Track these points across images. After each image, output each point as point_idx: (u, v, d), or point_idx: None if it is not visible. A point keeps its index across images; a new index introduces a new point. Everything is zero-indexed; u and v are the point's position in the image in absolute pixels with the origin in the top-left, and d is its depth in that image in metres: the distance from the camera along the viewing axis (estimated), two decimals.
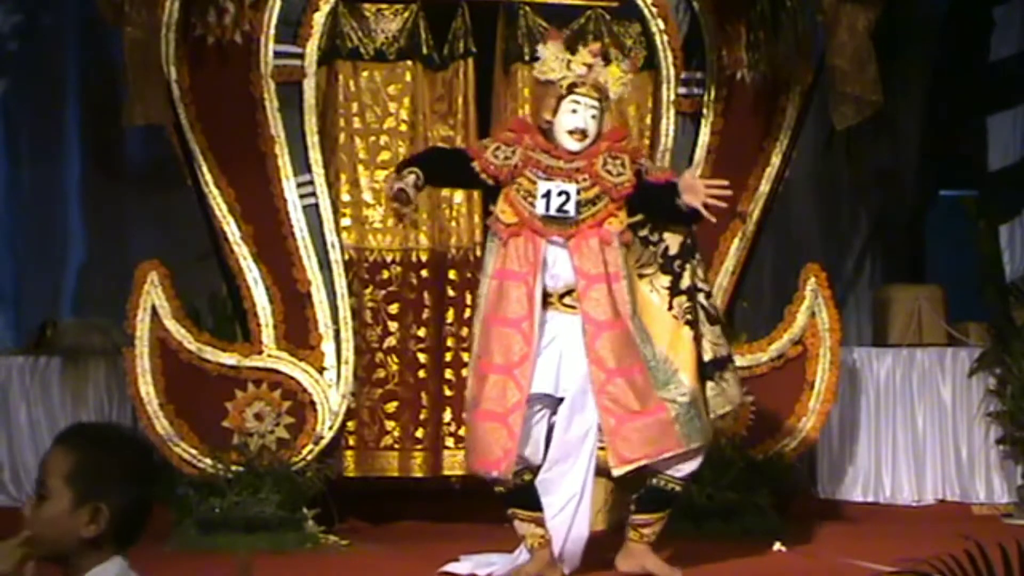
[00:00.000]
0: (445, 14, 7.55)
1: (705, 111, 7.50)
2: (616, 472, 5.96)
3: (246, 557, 6.07)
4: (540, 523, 6.03)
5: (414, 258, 7.55)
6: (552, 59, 6.14)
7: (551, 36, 6.36)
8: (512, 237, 6.00)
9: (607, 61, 6.22)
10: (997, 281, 8.37)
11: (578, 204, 5.98)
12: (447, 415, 7.54)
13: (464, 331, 7.53)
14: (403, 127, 7.56)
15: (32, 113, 8.85)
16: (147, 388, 7.02)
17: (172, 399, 7.03)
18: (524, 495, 6.03)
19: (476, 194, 7.54)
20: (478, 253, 7.55)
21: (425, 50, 7.54)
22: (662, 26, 7.50)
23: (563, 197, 5.98)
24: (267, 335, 7.14)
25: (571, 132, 6.05)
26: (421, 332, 7.53)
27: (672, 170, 6.56)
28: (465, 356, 7.53)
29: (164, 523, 6.98)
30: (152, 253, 7.27)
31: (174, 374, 7.05)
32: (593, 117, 6.06)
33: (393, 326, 7.52)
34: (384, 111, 7.56)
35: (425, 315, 7.54)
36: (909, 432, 8.38)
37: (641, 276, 6.11)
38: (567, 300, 6.00)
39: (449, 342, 7.55)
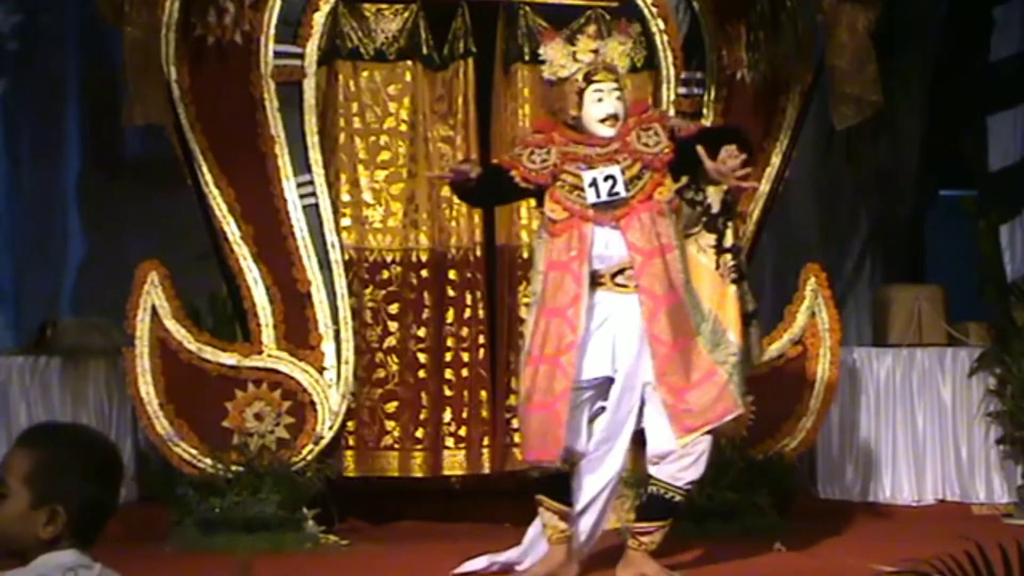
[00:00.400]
0: (445, 14, 7.55)
1: (705, 111, 7.50)
2: (680, 442, 5.92)
3: (246, 557, 6.07)
4: (564, 516, 6.02)
5: (414, 258, 7.55)
6: (558, 57, 6.15)
7: (546, 36, 6.35)
8: (561, 232, 6.01)
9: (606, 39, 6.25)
10: (997, 281, 8.37)
11: (626, 183, 5.99)
12: (447, 415, 7.53)
13: (464, 331, 7.53)
14: (403, 127, 7.56)
15: (32, 113, 8.85)
16: (147, 388, 7.02)
17: (172, 399, 7.03)
18: (556, 484, 6.02)
19: None
20: (478, 253, 7.55)
21: (425, 50, 7.54)
22: (662, 26, 7.50)
23: (610, 181, 5.99)
24: (267, 335, 7.14)
25: (603, 120, 6.07)
26: (421, 332, 7.53)
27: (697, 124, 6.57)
28: (465, 356, 7.54)
29: (164, 523, 6.99)
30: (152, 253, 7.27)
31: (174, 374, 7.05)
32: (618, 99, 6.09)
33: (393, 326, 7.52)
34: (384, 111, 7.56)
35: (425, 315, 7.54)
36: (909, 432, 8.38)
37: (687, 236, 6.14)
38: (619, 279, 5.99)
39: (449, 342, 7.55)
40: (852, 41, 7.24)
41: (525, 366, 6.04)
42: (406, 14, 7.53)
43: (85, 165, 8.88)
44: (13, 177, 8.83)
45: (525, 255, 7.56)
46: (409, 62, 7.54)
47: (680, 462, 5.98)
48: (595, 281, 5.97)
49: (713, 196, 6.18)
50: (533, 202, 7.53)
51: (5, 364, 7.90)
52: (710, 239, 6.16)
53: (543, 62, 7.55)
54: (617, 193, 5.98)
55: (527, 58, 7.58)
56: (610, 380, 6.00)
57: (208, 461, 6.98)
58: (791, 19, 7.40)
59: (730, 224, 6.20)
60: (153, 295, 7.04)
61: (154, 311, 7.04)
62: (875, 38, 7.30)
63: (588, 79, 6.09)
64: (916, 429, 8.38)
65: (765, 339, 7.46)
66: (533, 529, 6.19)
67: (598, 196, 5.98)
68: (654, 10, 7.53)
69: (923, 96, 9.11)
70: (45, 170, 8.84)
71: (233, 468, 6.95)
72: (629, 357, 5.96)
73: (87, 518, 2.72)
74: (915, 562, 3.36)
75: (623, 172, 6.00)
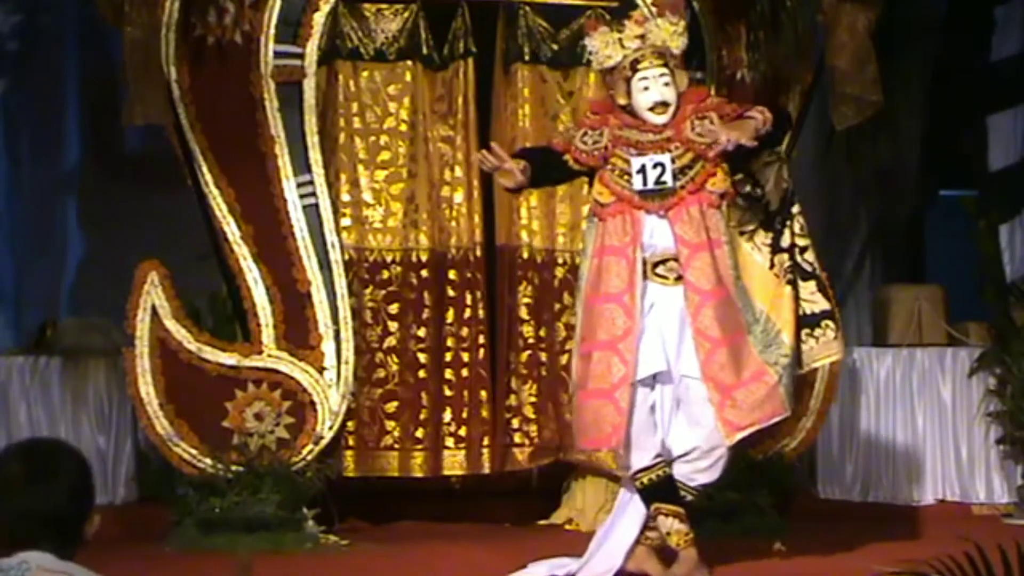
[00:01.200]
0: (445, 14, 7.55)
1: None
2: (728, 441, 5.86)
3: (246, 557, 6.07)
4: (683, 519, 5.94)
5: (414, 258, 7.55)
6: (603, 47, 6.06)
7: (590, 26, 6.26)
8: (611, 216, 5.93)
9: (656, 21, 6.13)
10: (997, 281, 8.37)
11: (674, 173, 5.91)
12: (447, 415, 7.53)
13: (464, 331, 7.52)
14: (403, 127, 7.56)
15: (32, 113, 8.85)
16: (147, 388, 7.02)
17: (172, 399, 7.03)
18: (665, 488, 5.94)
19: (476, 194, 7.54)
20: (478, 253, 7.55)
21: (425, 50, 7.54)
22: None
23: (659, 169, 5.91)
24: (267, 335, 7.14)
25: (652, 108, 5.98)
26: (421, 332, 7.53)
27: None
28: (465, 356, 7.53)
29: (164, 523, 6.99)
30: (152, 253, 7.27)
31: (174, 374, 7.05)
32: (666, 84, 5.99)
33: (393, 326, 7.51)
34: (384, 111, 7.56)
35: (425, 315, 7.54)
36: (909, 432, 8.38)
37: (742, 233, 6.07)
38: (660, 270, 5.91)
39: (449, 342, 7.55)
40: (852, 41, 7.24)
41: (578, 353, 5.96)
42: (406, 14, 7.53)
43: (85, 164, 8.88)
44: (13, 177, 8.83)
45: (525, 255, 7.57)
46: (409, 62, 7.54)
47: (697, 463, 5.93)
48: (643, 272, 5.89)
49: (772, 194, 6.12)
50: (533, 201, 7.57)
51: (5, 364, 7.91)
52: (766, 238, 6.09)
53: (545, 62, 7.61)
54: (664, 183, 5.89)
55: (527, 58, 7.58)
56: (666, 373, 5.91)
57: (208, 461, 6.98)
58: (791, 19, 7.41)
59: (788, 223, 6.10)
60: (153, 295, 7.04)
61: (154, 311, 7.04)
62: (875, 38, 7.30)
63: (634, 67, 6.00)
64: (916, 429, 8.38)
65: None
66: (601, 535, 6.12)
67: (645, 184, 5.90)
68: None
69: (923, 96, 9.11)
70: (45, 170, 8.85)
71: (233, 468, 6.95)
72: (671, 351, 5.90)
73: (9, 528, 2.83)
74: (915, 562, 3.36)
75: (673, 161, 5.92)
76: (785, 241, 6.09)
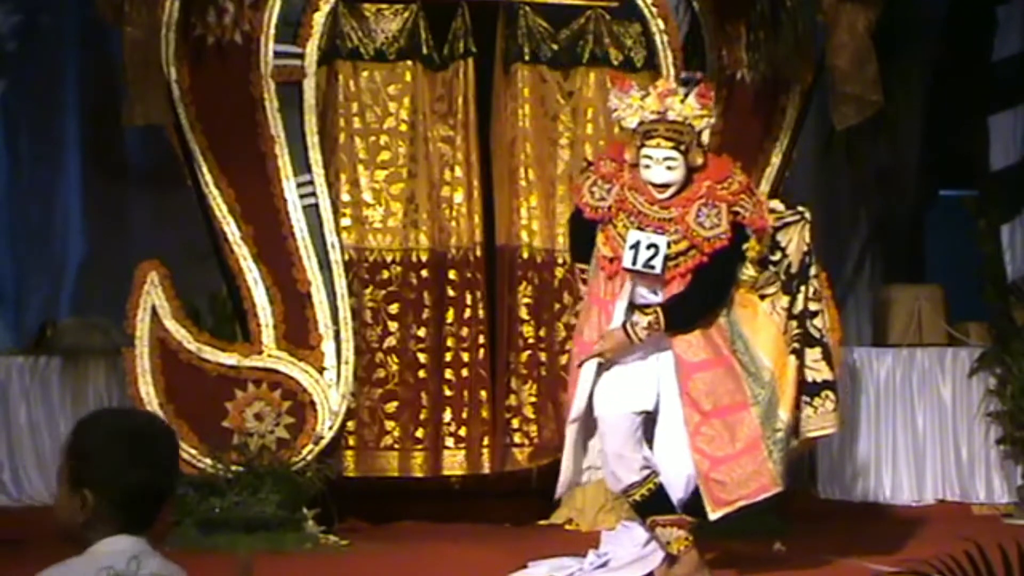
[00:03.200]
0: (445, 14, 7.55)
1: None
2: (712, 516, 5.86)
3: (246, 557, 6.06)
4: (682, 525, 5.93)
5: (414, 258, 7.55)
6: (624, 107, 5.98)
7: (615, 81, 6.24)
8: (615, 275, 5.91)
9: (685, 94, 5.98)
10: (997, 281, 8.37)
11: (666, 258, 5.83)
12: (447, 415, 7.53)
13: (464, 331, 7.52)
14: (403, 127, 7.56)
15: (32, 113, 8.84)
16: (147, 388, 7.02)
17: (172, 399, 7.03)
18: (658, 500, 5.94)
19: (476, 194, 7.54)
20: (478, 253, 7.55)
21: (425, 50, 7.54)
22: (662, 26, 7.50)
23: (651, 251, 5.84)
24: (267, 335, 7.14)
25: (651, 185, 5.91)
26: (421, 332, 7.53)
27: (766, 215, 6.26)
28: (465, 356, 7.53)
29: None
30: (152, 253, 7.27)
31: (174, 374, 7.05)
32: (670, 168, 5.87)
33: (393, 326, 7.51)
34: (384, 111, 7.55)
35: (425, 315, 7.53)
36: (909, 432, 8.39)
37: (763, 297, 6.01)
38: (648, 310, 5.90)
39: (449, 342, 7.55)
40: (852, 41, 7.25)
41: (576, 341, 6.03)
42: (406, 14, 7.53)
43: (85, 165, 8.88)
44: (13, 177, 8.83)
45: (525, 255, 7.57)
46: (409, 62, 7.54)
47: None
48: (641, 310, 5.90)
49: (794, 257, 6.04)
50: (533, 201, 7.57)
51: (5, 364, 7.91)
52: (784, 301, 6.03)
53: (545, 62, 7.61)
54: (653, 267, 5.84)
55: (527, 58, 7.58)
56: (654, 412, 5.95)
57: (208, 461, 6.98)
58: (791, 19, 7.40)
59: (804, 288, 6.04)
60: (153, 295, 7.04)
61: (154, 311, 7.04)
62: (875, 38, 7.30)
63: (644, 140, 5.90)
64: (916, 429, 8.39)
65: None
66: (609, 539, 6.15)
67: (634, 263, 5.85)
68: (654, 10, 7.53)
69: (923, 96, 9.11)
70: (45, 170, 8.84)
71: (233, 468, 6.95)
72: (671, 392, 5.92)
73: (130, 503, 2.76)
74: (915, 562, 3.35)
75: (669, 246, 5.85)
76: (798, 307, 6.04)
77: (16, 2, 8.75)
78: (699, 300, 5.92)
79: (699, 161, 5.94)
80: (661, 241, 5.85)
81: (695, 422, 5.83)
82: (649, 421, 5.98)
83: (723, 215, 5.86)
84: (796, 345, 6.00)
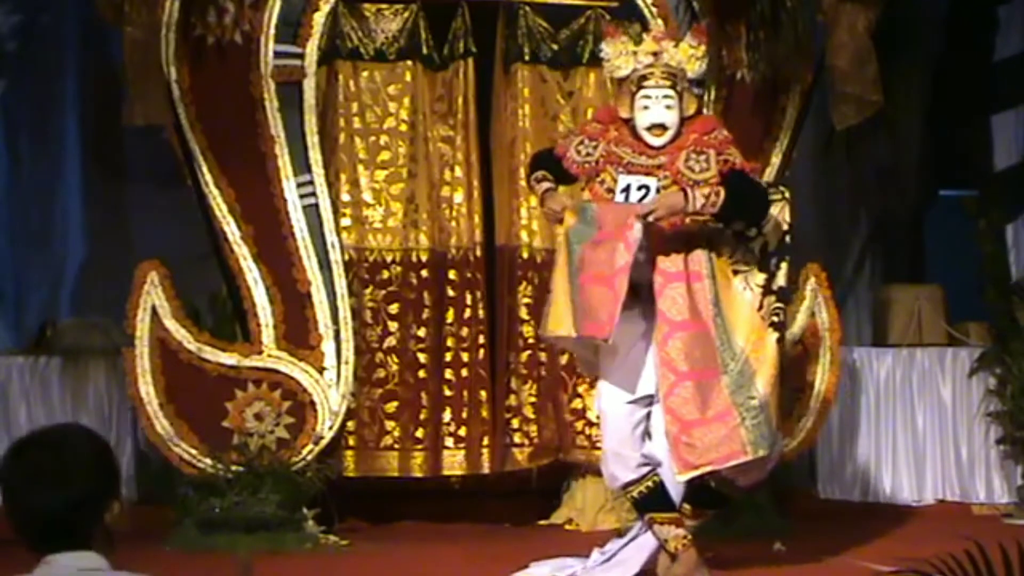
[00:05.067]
0: (445, 14, 7.55)
1: (705, 111, 7.50)
2: (680, 478, 5.81)
3: (246, 557, 6.07)
4: (679, 524, 5.90)
5: (414, 258, 7.55)
6: (616, 55, 6.00)
7: (609, 32, 6.22)
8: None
9: (676, 42, 6.06)
10: (998, 281, 8.37)
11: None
12: (447, 415, 7.53)
13: (464, 331, 7.53)
14: (403, 127, 7.56)
15: (32, 113, 8.84)
16: (147, 388, 7.02)
17: (172, 399, 7.03)
18: (657, 497, 5.92)
19: (476, 194, 7.55)
20: (478, 253, 7.55)
21: (425, 50, 7.54)
22: (662, 26, 7.50)
23: (642, 191, 5.83)
24: (267, 335, 7.15)
25: (649, 128, 5.90)
26: (421, 332, 7.53)
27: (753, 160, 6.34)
28: (465, 356, 7.53)
29: (164, 523, 6.99)
30: (152, 253, 7.27)
31: (174, 374, 7.05)
32: (668, 108, 5.89)
33: (393, 326, 7.51)
34: (384, 111, 7.56)
35: (425, 315, 7.54)
36: (909, 432, 8.38)
37: (736, 272, 5.97)
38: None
39: (449, 342, 7.55)
40: (852, 41, 7.25)
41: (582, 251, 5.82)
42: (406, 14, 7.53)
43: (85, 165, 8.87)
44: (13, 176, 8.82)
45: (525, 255, 7.57)
46: (409, 62, 7.54)
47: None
48: (635, 292, 5.83)
49: (771, 235, 6.01)
50: (533, 201, 7.57)
51: (5, 364, 7.91)
52: (759, 278, 5.98)
53: (545, 62, 7.61)
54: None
55: (527, 58, 7.58)
56: (654, 395, 5.91)
57: (208, 461, 6.98)
58: (791, 19, 7.40)
59: (782, 266, 6.02)
60: (153, 295, 7.04)
61: (154, 311, 7.04)
62: (875, 38, 7.30)
63: (640, 83, 5.92)
64: (916, 429, 8.38)
65: None
66: (613, 545, 6.11)
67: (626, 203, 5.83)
68: (654, 10, 7.53)
69: (923, 96, 9.11)
70: (45, 170, 8.84)
71: (233, 468, 6.95)
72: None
73: (30, 524, 2.71)
74: (915, 562, 3.35)
75: (659, 190, 5.83)
76: (777, 283, 6.00)
77: (16, 2, 8.75)
78: (750, 187, 5.93)
79: (692, 109, 5.97)
80: (651, 182, 5.84)
81: (670, 382, 5.78)
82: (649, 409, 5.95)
83: (712, 161, 5.86)
84: (775, 319, 5.96)
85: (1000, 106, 8.43)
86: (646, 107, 5.91)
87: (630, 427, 5.90)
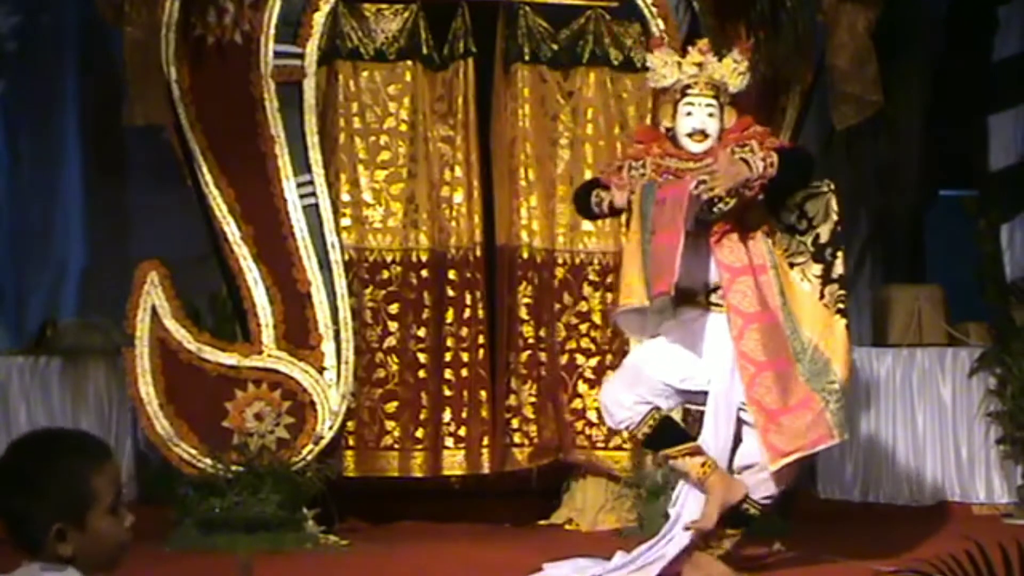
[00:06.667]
0: (445, 14, 7.55)
1: None
2: (773, 467, 5.85)
3: (246, 557, 6.07)
4: (697, 452, 5.90)
5: (414, 258, 7.55)
6: (661, 65, 6.10)
7: (654, 43, 6.33)
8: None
9: (720, 56, 6.14)
10: (997, 281, 8.37)
11: (713, 201, 5.83)
12: (447, 415, 7.53)
13: (464, 331, 7.52)
14: (403, 127, 7.56)
15: (32, 113, 8.85)
16: (147, 388, 7.02)
17: (172, 399, 7.03)
18: (667, 432, 5.95)
19: (476, 194, 7.54)
20: (478, 253, 7.55)
21: (425, 50, 7.54)
22: (662, 26, 7.50)
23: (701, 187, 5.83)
24: (267, 335, 7.15)
25: (690, 135, 5.98)
26: (421, 332, 7.53)
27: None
28: (465, 356, 7.53)
29: (164, 523, 6.99)
30: (152, 253, 7.27)
31: (174, 374, 7.05)
32: (711, 115, 5.99)
33: (393, 326, 7.51)
34: (384, 111, 7.56)
35: (425, 315, 7.54)
36: (909, 432, 8.38)
37: (792, 265, 6.05)
38: (713, 298, 5.93)
39: (449, 342, 7.55)
40: (852, 41, 7.24)
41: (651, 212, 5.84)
42: (406, 14, 7.53)
43: (85, 165, 8.88)
44: (13, 177, 8.83)
45: (525, 255, 7.57)
46: (409, 62, 7.54)
47: (759, 475, 5.92)
48: (688, 299, 5.90)
49: (823, 228, 6.09)
50: (533, 201, 7.57)
51: (5, 364, 7.91)
52: (816, 269, 6.06)
53: (545, 62, 7.60)
54: (712, 203, 5.84)
55: (527, 58, 7.57)
56: (689, 394, 5.96)
57: (208, 461, 6.98)
58: (791, 19, 7.40)
59: (839, 255, 6.09)
60: (153, 295, 7.04)
61: (154, 311, 7.04)
62: (875, 38, 7.30)
63: (684, 92, 6.02)
64: (916, 429, 8.38)
65: None
66: (644, 546, 6.11)
67: None
68: (654, 10, 7.53)
69: (923, 96, 9.11)
70: (45, 170, 8.85)
71: (233, 468, 6.95)
72: (724, 378, 5.91)
73: (17, 531, 2.69)
74: (915, 562, 3.36)
75: (712, 189, 5.84)
76: (837, 271, 6.08)
77: (16, 2, 8.76)
78: (798, 153, 6.11)
79: (731, 122, 6.05)
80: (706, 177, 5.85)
81: (750, 373, 5.83)
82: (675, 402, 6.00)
83: (757, 150, 5.92)
84: (841, 305, 6.06)
85: (1000, 106, 8.43)
86: (689, 113, 6.00)
87: (643, 384, 5.92)
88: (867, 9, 7.26)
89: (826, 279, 6.07)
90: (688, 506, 5.98)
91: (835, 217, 6.13)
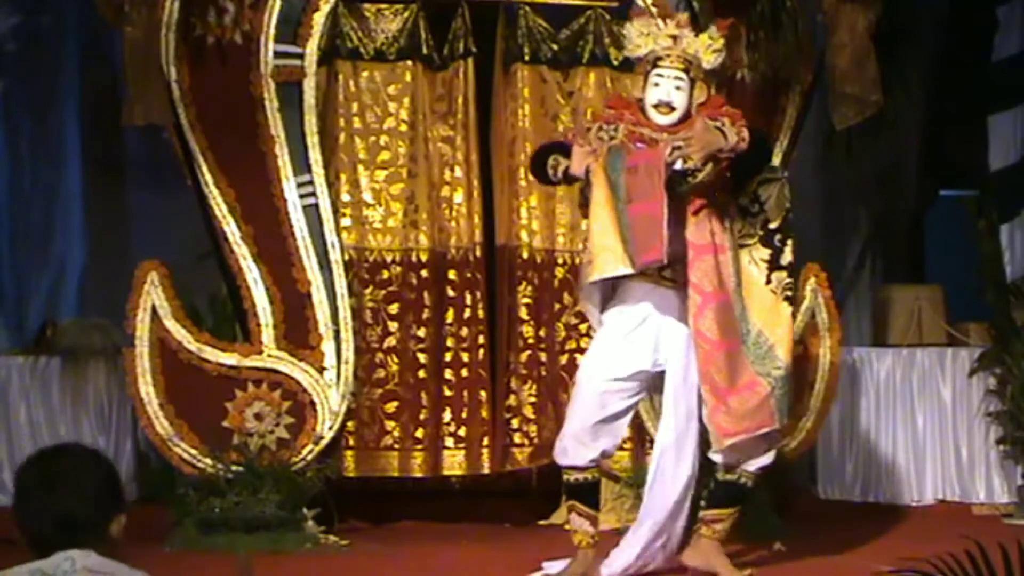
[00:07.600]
0: (445, 14, 7.55)
1: None
2: (717, 446, 5.89)
3: (246, 557, 6.07)
4: (595, 522, 6.05)
5: (414, 258, 7.55)
6: (636, 35, 6.08)
7: (635, 13, 6.31)
8: None
9: (697, 31, 6.13)
10: (997, 281, 8.37)
11: (686, 172, 5.81)
12: (447, 415, 7.53)
13: (464, 331, 7.52)
14: (403, 127, 7.56)
15: (32, 113, 8.85)
16: (147, 388, 7.02)
17: (172, 399, 7.03)
18: (589, 490, 6.04)
19: (476, 194, 7.54)
20: (478, 253, 7.54)
21: (425, 50, 7.54)
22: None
23: (675, 153, 5.83)
24: (267, 335, 7.14)
25: (656, 106, 5.96)
26: (421, 332, 7.53)
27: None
28: (465, 356, 7.53)
29: (164, 523, 6.99)
30: (152, 253, 7.27)
31: (174, 374, 7.05)
32: (678, 88, 5.96)
33: (393, 326, 7.51)
34: (384, 111, 7.55)
35: (425, 315, 7.53)
36: (909, 432, 8.39)
37: (741, 246, 6.05)
38: (666, 273, 5.91)
39: (449, 342, 7.54)
40: (852, 41, 7.24)
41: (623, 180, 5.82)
42: (406, 14, 7.53)
43: (85, 165, 8.88)
44: (13, 177, 8.83)
45: (525, 255, 7.57)
46: (409, 62, 7.54)
47: (747, 450, 5.95)
48: (641, 273, 5.87)
49: (773, 212, 6.09)
50: (533, 201, 7.56)
51: (5, 364, 7.92)
52: (764, 253, 6.06)
53: (545, 62, 7.60)
54: (685, 170, 5.80)
55: (527, 58, 7.57)
56: (649, 375, 5.97)
57: (208, 461, 6.98)
58: (791, 19, 7.40)
59: (789, 242, 6.09)
60: (153, 295, 7.04)
61: (154, 311, 7.04)
62: (875, 38, 7.30)
63: (656, 63, 6.01)
64: (916, 429, 8.39)
65: None
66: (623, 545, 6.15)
67: None
68: (654, 10, 7.52)
69: (923, 96, 9.11)
70: (45, 170, 8.85)
71: (233, 468, 6.95)
72: (679, 355, 5.93)
73: (41, 525, 2.96)
74: (915, 562, 3.36)
75: (684, 160, 5.84)
76: (786, 259, 6.08)
77: (16, 2, 8.76)
78: (764, 137, 6.18)
79: (702, 98, 6.01)
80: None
81: (704, 351, 5.84)
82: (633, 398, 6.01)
83: (727, 125, 5.88)
84: (788, 292, 6.07)
85: (1000, 106, 8.43)
86: (656, 84, 5.98)
87: (599, 409, 5.94)
88: (867, 9, 7.26)
89: (774, 265, 6.07)
90: (654, 491, 6.03)
91: (787, 205, 6.12)
